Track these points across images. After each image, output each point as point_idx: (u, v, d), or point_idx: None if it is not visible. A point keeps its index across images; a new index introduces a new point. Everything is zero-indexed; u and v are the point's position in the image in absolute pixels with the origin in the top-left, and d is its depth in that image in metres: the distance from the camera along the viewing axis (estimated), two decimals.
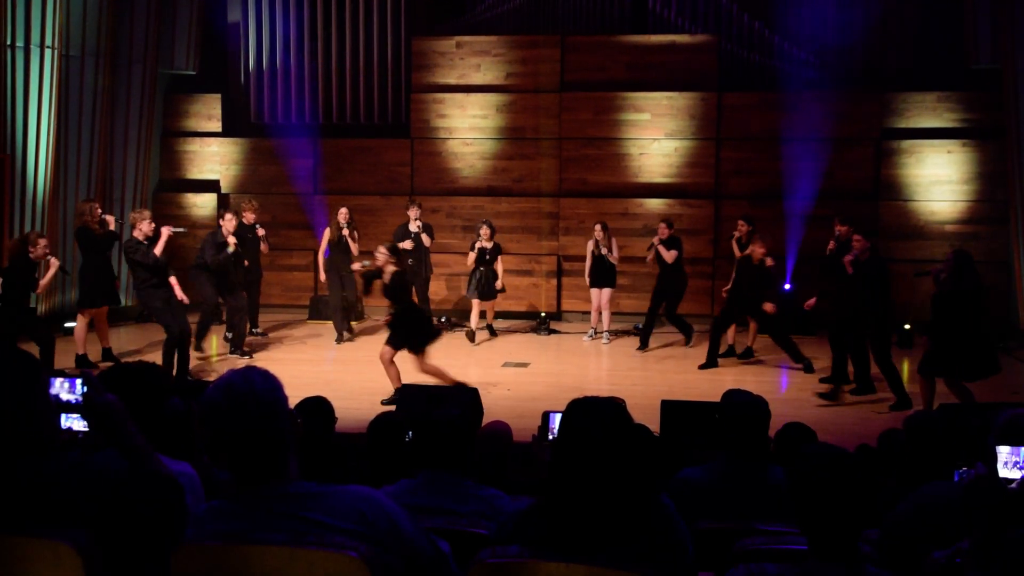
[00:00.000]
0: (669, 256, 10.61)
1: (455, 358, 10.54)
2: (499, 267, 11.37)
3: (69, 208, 11.91)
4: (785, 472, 2.33)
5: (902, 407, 7.97)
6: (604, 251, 11.06)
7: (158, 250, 8.89)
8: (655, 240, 10.68)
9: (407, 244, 11.17)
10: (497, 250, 11.34)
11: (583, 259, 11.53)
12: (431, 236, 11.47)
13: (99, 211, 9.72)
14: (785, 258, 11.68)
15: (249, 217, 10.93)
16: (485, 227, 11.26)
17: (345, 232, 11.06)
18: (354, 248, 11.16)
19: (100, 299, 9.71)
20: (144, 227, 8.89)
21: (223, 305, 10.56)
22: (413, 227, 11.30)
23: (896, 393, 8.21)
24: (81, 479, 2.27)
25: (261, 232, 10.95)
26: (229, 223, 10.06)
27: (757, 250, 9.67)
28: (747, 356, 10.31)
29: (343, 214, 11.21)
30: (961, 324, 7.53)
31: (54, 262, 8.89)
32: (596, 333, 11.56)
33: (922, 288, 11.48)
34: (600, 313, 11.41)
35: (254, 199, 11.60)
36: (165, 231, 9.06)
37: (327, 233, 11.32)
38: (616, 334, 11.62)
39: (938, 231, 12.32)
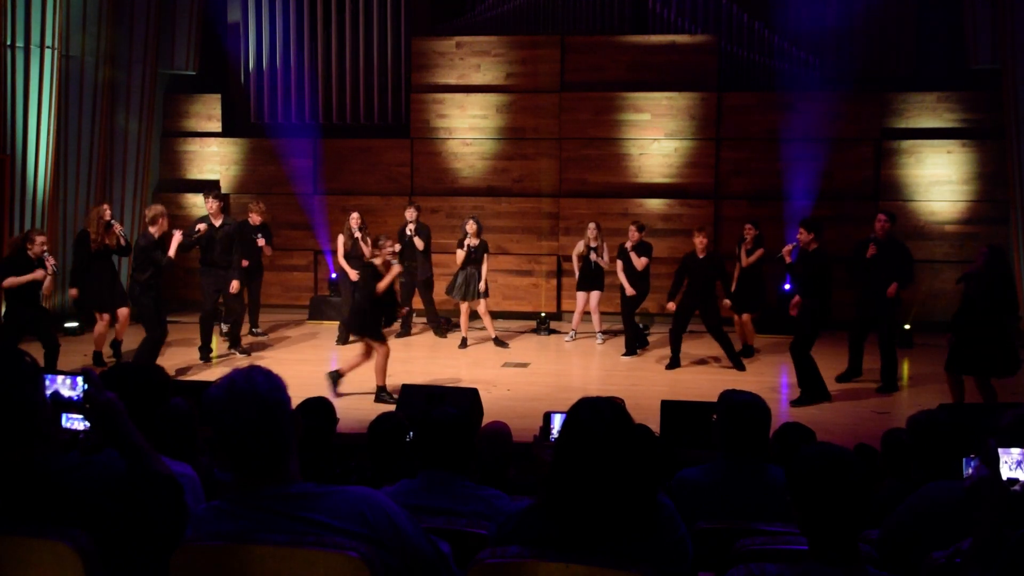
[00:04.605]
0: (640, 264, 10.39)
1: (455, 358, 10.55)
2: (484, 267, 10.85)
3: (69, 208, 11.92)
4: (785, 472, 2.33)
5: (805, 402, 8.28)
6: (594, 257, 10.94)
7: (171, 251, 9.21)
8: (627, 245, 10.50)
9: (395, 247, 11.13)
10: (483, 248, 10.86)
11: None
12: (425, 239, 11.25)
13: (107, 215, 9.54)
14: (763, 257, 11.62)
15: (255, 219, 10.88)
16: (472, 222, 10.76)
17: (358, 235, 10.80)
18: (367, 252, 10.89)
19: (99, 302, 9.69)
20: (163, 223, 9.17)
21: (222, 306, 10.55)
22: (408, 229, 11.17)
23: (802, 385, 8.39)
24: (81, 479, 2.26)
25: (261, 242, 10.87)
26: (210, 204, 10.14)
27: (699, 242, 9.76)
28: (747, 354, 10.33)
29: (355, 220, 10.89)
30: (985, 319, 7.54)
31: (49, 263, 8.65)
32: (577, 334, 11.54)
33: (922, 288, 11.53)
34: (583, 315, 11.32)
35: (261, 201, 11.47)
36: (177, 235, 9.31)
37: (341, 240, 10.93)
38: (608, 334, 11.59)
39: (938, 231, 12.32)
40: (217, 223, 10.08)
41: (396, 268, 8.50)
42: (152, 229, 9.09)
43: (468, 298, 10.87)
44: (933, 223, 12.34)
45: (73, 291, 9.55)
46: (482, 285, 10.82)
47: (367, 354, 8.43)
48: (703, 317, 9.84)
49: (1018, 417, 3.05)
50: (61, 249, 11.33)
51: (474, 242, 10.78)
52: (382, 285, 8.23)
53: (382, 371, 8.32)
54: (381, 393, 8.28)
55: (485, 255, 10.90)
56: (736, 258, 10.72)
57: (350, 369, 8.49)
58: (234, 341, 10.35)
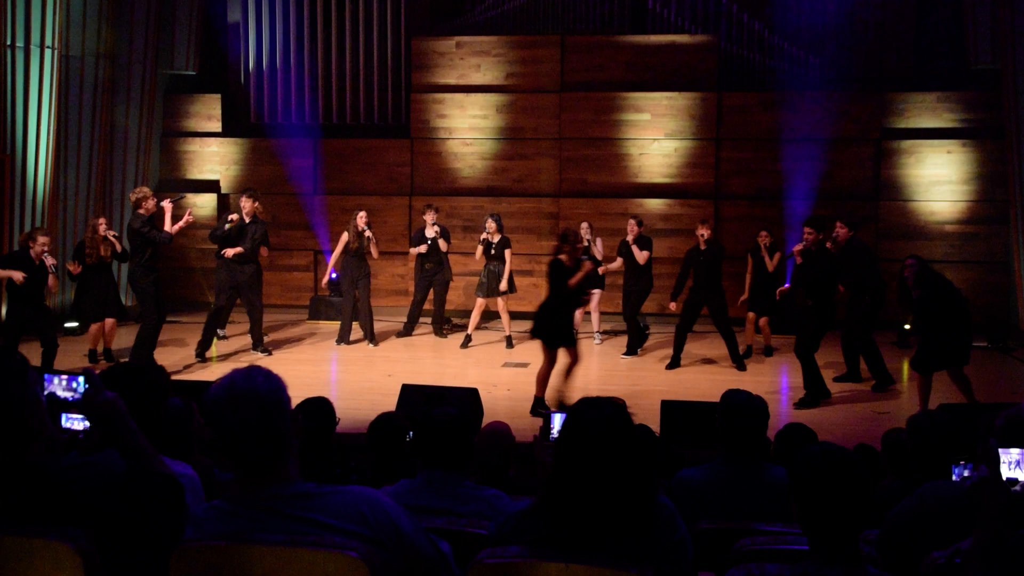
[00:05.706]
0: (641, 257, 10.36)
1: (454, 357, 10.55)
2: (507, 264, 10.85)
3: (69, 208, 11.92)
4: (787, 472, 2.33)
5: (808, 403, 8.25)
6: (593, 249, 10.91)
7: (167, 226, 9.26)
8: (629, 238, 10.47)
9: (421, 248, 11.12)
10: (504, 244, 10.87)
11: None
12: (447, 240, 11.25)
13: (102, 229, 9.54)
14: (784, 258, 11.67)
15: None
16: (491, 220, 10.85)
17: (369, 234, 10.75)
18: (375, 252, 10.83)
19: (92, 313, 9.70)
20: (149, 205, 9.15)
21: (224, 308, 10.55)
22: (430, 232, 11.13)
23: (807, 387, 8.36)
24: (81, 479, 2.26)
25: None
26: (245, 203, 10.18)
27: (703, 233, 9.77)
28: (767, 354, 10.49)
29: (362, 218, 10.79)
30: (944, 318, 7.63)
31: (49, 262, 8.64)
32: (578, 335, 11.53)
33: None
34: (583, 314, 11.33)
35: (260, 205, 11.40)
36: (167, 205, 9.34)
37: (344, 237, 10.88)
38: (607, 334, 11.57)
39: (938, 231, 12.32)
40: (248, 221, 10.12)
41: (587, 264, 8.20)
42: (140, 212, 9.12)
43: (489, 295, 10.91)
44: (933, 223, 12.34)
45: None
46: (503, 284, 10.82)
47: (550, 360, 8.04)
48: (711, 314, 9.80)
49: (1012, 418, 3.06)
50: (61, 249, 11.33)
51: (495, 238, 10.83)
52: (574, 281, 7.92)
53: (542, 381, 7.96)
54: (537, 407, 7.92)
55: (507, 251, 10.90)
56: (750, 263, 10.67)
57: (544, 384, 8.02)
58: (257, 340, 10.36)
